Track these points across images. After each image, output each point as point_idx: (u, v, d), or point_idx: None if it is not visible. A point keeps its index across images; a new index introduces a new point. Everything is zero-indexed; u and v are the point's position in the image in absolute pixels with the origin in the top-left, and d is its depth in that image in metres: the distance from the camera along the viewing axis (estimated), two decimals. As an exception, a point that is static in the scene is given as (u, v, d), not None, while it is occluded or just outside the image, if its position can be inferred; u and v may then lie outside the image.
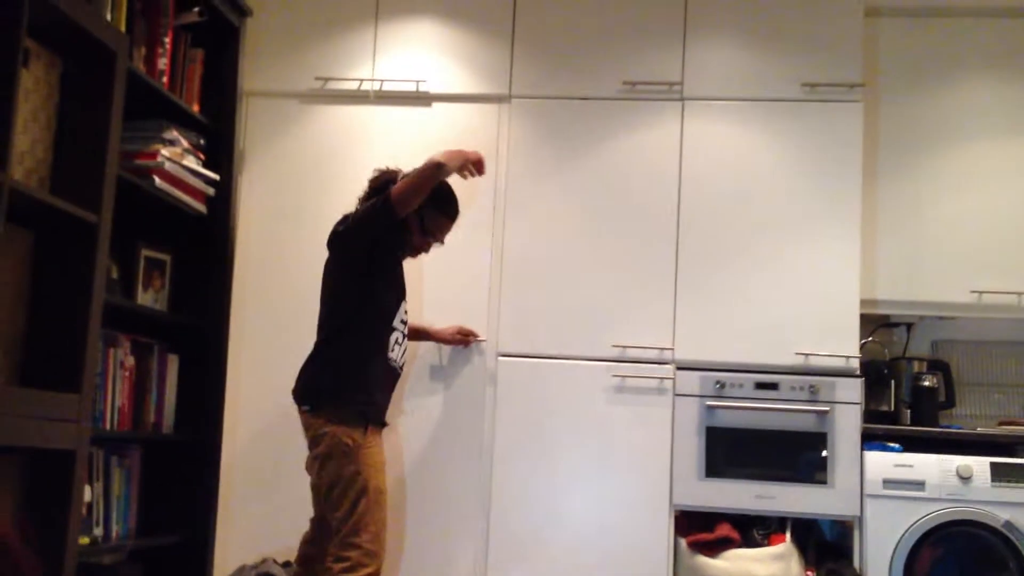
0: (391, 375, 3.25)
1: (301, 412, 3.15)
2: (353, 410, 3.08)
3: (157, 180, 3.23)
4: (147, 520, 3.39)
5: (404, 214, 3.13)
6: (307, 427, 3.13)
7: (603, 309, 3.84)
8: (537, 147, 3.95)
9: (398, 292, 3.31)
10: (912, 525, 3.55)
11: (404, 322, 3.31)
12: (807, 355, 3.72)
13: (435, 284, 3.89)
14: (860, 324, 3.76)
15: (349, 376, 3.11)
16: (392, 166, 3.37)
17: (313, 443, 3.10)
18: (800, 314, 3.75)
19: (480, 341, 3.82)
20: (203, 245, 3.61)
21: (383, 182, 3.29)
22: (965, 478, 3.57)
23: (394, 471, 3.63)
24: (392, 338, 3.22)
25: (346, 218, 3.22)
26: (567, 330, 3.84)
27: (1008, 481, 3.55)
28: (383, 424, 3.23)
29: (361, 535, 2.98)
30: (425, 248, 3.39)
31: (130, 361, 3.25)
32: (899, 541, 3.55)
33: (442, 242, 3.41)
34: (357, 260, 3.17)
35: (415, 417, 3.85)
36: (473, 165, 3.26)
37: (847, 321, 3.74)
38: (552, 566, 3.70)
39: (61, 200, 2.62)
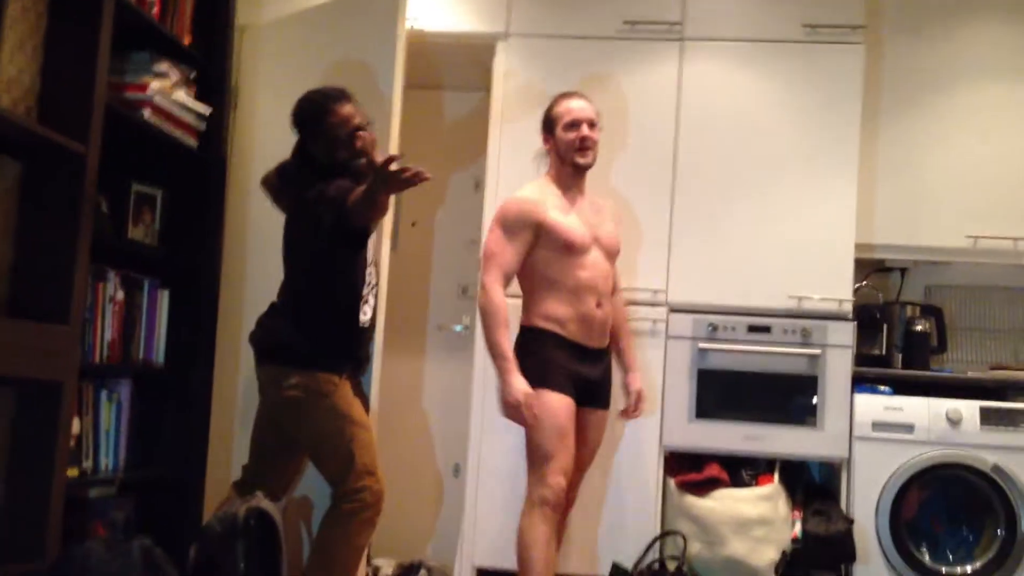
0: (363, 335, 3.17)
1: (265, 367, 3.07)
2: (328, 362, 3.03)
3: (147, 113, 3.20)
4: (139, 454, 3.40)
5: (362, 227, 2.96)
6: (271, 379, 3.04)
7: (597, 250, 3.81)
8: (534, 86, 3.90)
9: (364, 259, 3.11)
10: (900, 467, 3.57)
11: (372, 284, 3.19)
12: (800, 298, 3.71)
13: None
14: (855, 268, 3.75)
15: (327, 336, 3.05)
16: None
17: (281, 392, 3.01)
18: (795, 257, 3.74)
19: None
20: (195, 180, 3.59)
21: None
22: (954, 422, 3.58)
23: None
24: (360, 303, 3.11)
25: (288, 175, 3.09)
26: (560, 271, 3.82)
27: (997, 425, 3.57)
28: (357, 376, 3.18)
29: (364, 477, 2.98)
30: (359, 142, 3.03)
31: (120, 295, 3.24)
32: (887, 483, 3.57)
33: (361, 127, 3.04)
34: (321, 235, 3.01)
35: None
36: None
37: (842, 265, 3.73)
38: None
39: (49, 130, 2.61)
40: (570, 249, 3.16)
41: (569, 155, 3.23)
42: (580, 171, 3.26)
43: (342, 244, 2.99)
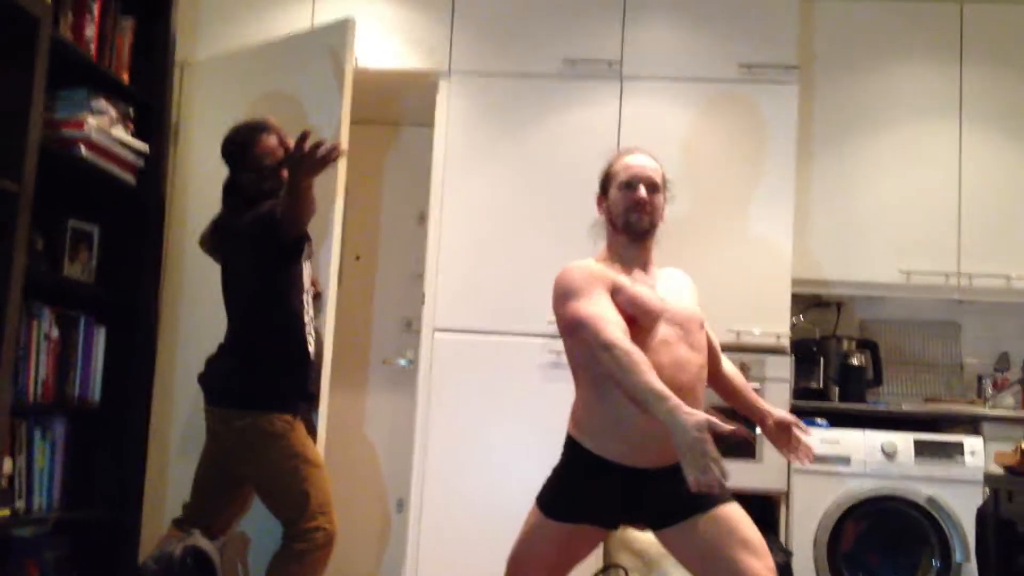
0: (313, 367, 3.16)
1: (217, 409, 3.05)
2: (282, 402, 3.03)
3: (83, 150, 3.18)
4: (74, 493, 3.35)
5: (297, 233, 2.98)
6: (223, 420, 3.02)
7: (539, 285, 3.78)
8: (476, 124, 3.94)
9: (299, 285, 3.10)
10: (837, 500, 3.62)
11: (310, 312, 3.17)
12: (739, 332, 3.75)
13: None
14: (792, 303, 3.81)
15: (278, 372, 3.04)
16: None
17: (234, 433, 3.00)
18: (733, 292, 3.78)
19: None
20: (133, 217, 3.56)
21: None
22: (889, 454, 3.64)
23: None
24: (306, 334, 3.10)
25: (220, 225, 3.14)
26: (503, 305, 3.85)
27: (931, 457, 3.63)
28: (309, 414, 3.17)
29: (318, 517, 2.96)
30: (274, 178, 3.03)
31: (55, 333, 3.20)
32: (824, 515, 3.61)
33: (277, 158, 3.05)
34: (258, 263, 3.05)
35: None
36: None
37: (779, 300, 3.78)
38: (488, 545, 3.68)
39: (-20, 168, 2.58)
40: (643, 316, 2.44)
41: (620, 217, 2.57)
42: (636, 238, 2.59)
43: (280, 257, 3.00)
